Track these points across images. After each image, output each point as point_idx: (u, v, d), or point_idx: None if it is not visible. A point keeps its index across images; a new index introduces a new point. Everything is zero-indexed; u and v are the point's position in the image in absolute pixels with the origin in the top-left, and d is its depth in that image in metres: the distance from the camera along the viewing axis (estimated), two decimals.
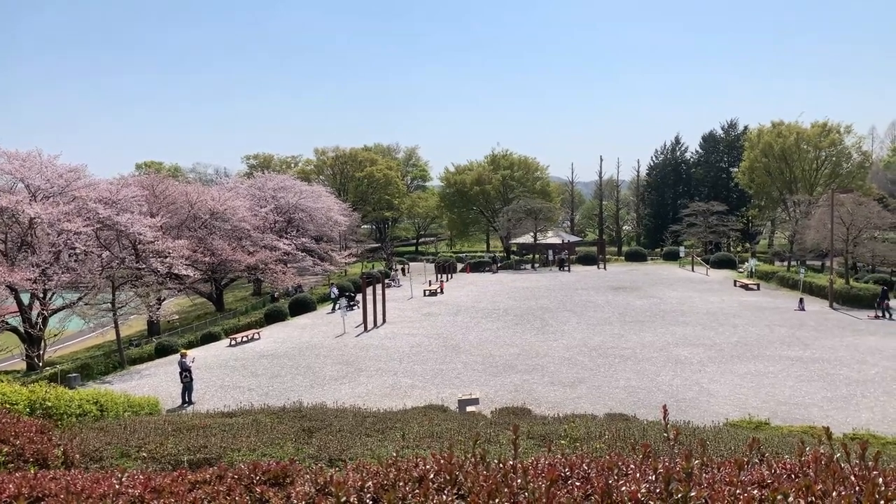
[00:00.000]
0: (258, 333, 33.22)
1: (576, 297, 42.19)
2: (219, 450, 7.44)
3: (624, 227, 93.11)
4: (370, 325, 34.00)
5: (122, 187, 35.01)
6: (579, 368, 24.42)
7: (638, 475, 2.18)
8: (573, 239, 74.93)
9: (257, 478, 2.53)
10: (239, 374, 25.69)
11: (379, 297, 35.46)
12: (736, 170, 74.65)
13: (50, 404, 12.38)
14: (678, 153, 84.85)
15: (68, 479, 3.04)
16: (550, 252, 65.11)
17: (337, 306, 39.63)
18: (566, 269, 59.08)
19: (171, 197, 40.84)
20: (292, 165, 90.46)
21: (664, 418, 3.01)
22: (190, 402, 21.82)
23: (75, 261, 31.89)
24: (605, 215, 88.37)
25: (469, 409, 18.69)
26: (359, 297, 40.99)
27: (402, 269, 61.63)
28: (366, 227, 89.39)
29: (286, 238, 48.96)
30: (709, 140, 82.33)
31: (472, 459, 2.42)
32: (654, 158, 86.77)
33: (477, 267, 61.84)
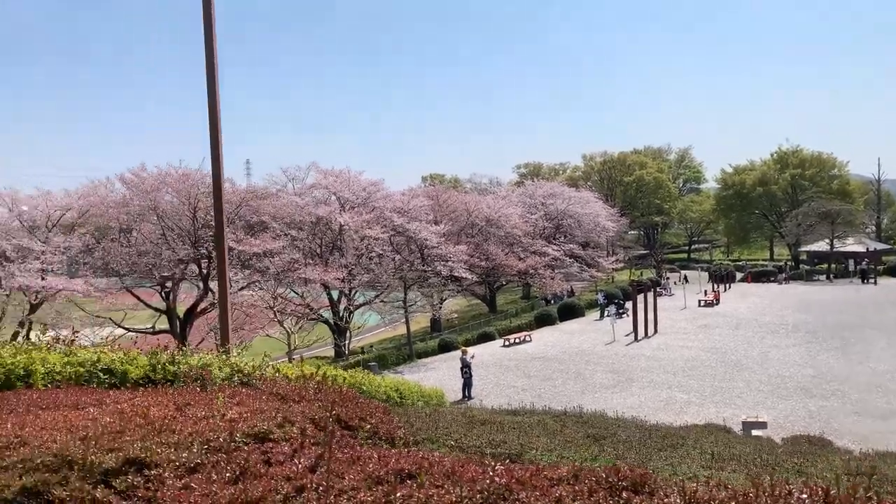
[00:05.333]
0: (529, 336, 34.39)
1: (884, 314, 36.42)
2: (517, 447, 7.97)
3: None
4: (640, 334, 33.16)
5: (412, 198, 38.92)
6: (893, 398, 21.10)
7: None
8: (880, 247, 64.69)
9: (619, 483, 2.75)
10: (513, 374, 26.86)
11: (650, 306, 34.39)
12: None
13: (365, 388, 14.30)
14: None
15: (434, 458, 3.61)
16: (850, 262, 57.06)
17: (606, 313, 39.35)
18: (870, 280, 51.27)
19: (453, 206, 44.25)
20: (560, 172, 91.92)
21: None
22: (470, 397, 23.35)
23: (374, 263, 36.26)
24: None
25: (755, 432, 17.30)
26: (628, 304, 40.19)
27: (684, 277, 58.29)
28: (633, 232, 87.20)
29: (554, 244, 49.95)
30: None
31: (850, 494, 2.34)
32: None
33: (759, 276, 56.65)
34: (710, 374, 25.26)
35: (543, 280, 44.99)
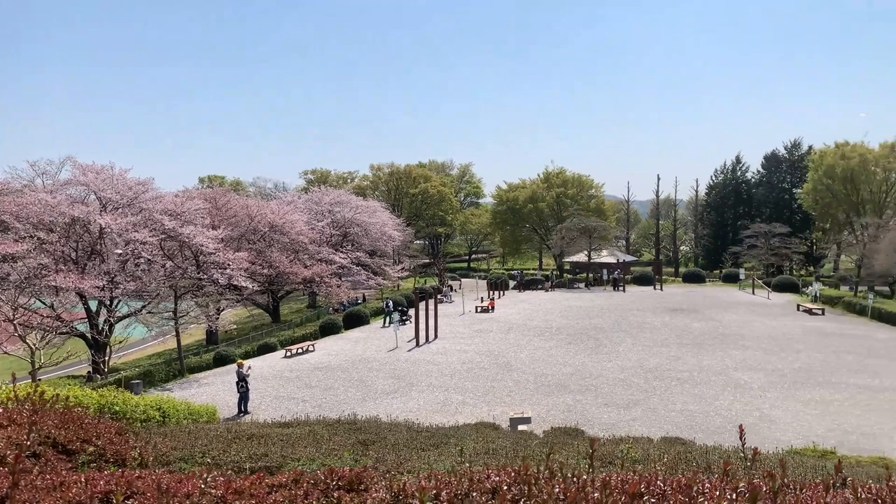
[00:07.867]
0: (313, 346, 33.73)
1: (631, 317, 41.44)
2: (279, 458, 7.60)
3: (681, 248, 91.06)
4: (422, 340, 34.14)
5: (187, 200, 36.22)
6: (634, 390, 23.95)
7: (717, 493, 2.15)
8: (628, 259, 73.78)
9: (333, 483, 2.59)
10: (294, 385, 26.11)
11: (431, 313, 35.60)
12: (799, 191, 72.31)
13: (118, 409, 12.84)
14: (739, 173, 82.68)
15: (154, 477, 3.18)
16: (605, 271, 64.25)
17: (390, 320, 39.96)
18: (620, 288, 58.17)
19: (233, 210, 42.04)
20: (348, 181, 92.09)
21: (741, 438, 2.96)
22: (246, 412, 22.25)
23: (141, 270, 33.11)
24: (662, 235, 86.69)
25: (521, 427, 18.54)
26: (411, 311, 41.23)
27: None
28: (419, 242, 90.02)
29: (341, 252, 49.73)
30: (771, 160, 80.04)
31: (546, 472, 2.42)
32: (713, 178, 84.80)
33: (529, 285, 61.46)
34: (483, 375, 26.70)
35: (330, 288, 44.52)
